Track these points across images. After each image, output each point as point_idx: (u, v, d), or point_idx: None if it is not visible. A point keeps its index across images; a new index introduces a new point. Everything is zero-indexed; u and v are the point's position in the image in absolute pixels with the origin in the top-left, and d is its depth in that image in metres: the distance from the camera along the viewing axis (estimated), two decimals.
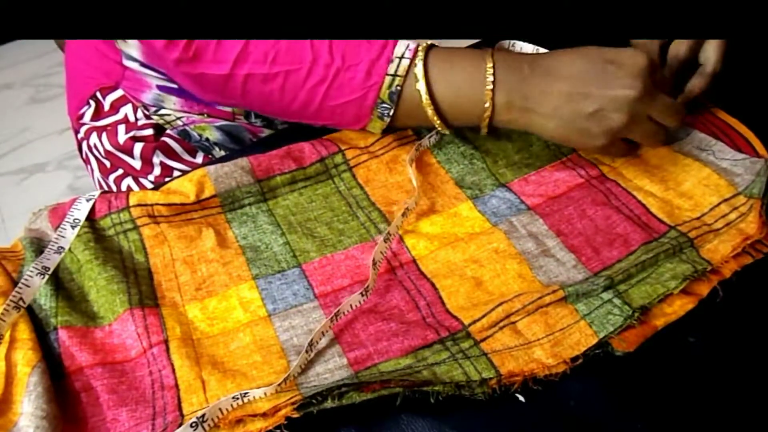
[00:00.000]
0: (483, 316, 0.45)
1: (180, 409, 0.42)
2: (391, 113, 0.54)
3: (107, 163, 0.74)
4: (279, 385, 0.41)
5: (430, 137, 0.59)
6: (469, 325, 0.45)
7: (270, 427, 0.39)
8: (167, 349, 0.45)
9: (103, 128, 0.72)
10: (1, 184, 1.65)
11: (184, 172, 0.57)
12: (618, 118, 0.49)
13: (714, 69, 0.57)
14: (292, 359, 0.44)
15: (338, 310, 0.45)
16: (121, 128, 0.71)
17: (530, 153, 0.58)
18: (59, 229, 0.51)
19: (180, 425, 0.40)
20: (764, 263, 0.48)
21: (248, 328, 0.47)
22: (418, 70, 0.52)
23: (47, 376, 0.42)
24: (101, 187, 0.77)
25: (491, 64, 0.51)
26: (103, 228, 0.53)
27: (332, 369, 0.43)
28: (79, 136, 0.77)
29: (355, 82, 0.53)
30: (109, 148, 0.72)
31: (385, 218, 0.54)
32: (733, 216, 0.49)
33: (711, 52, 0.57)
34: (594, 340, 0.43)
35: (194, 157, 0.72)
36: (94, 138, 0.74)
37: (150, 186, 0.66)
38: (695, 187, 0.52)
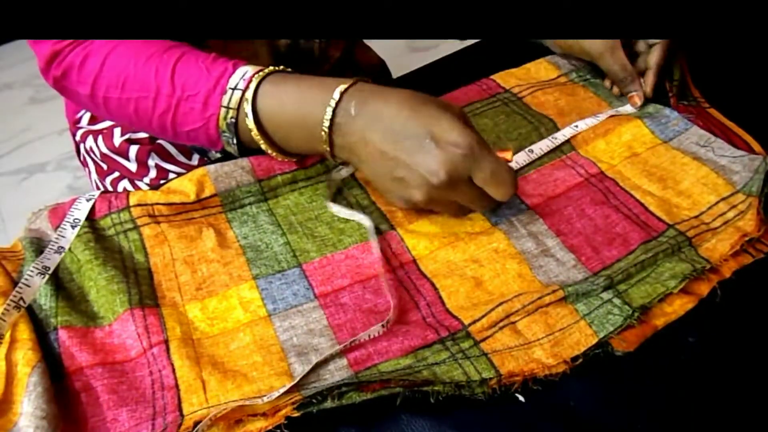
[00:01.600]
0: (483, 316, 0.45)
1: (180, 409, 0.42)
2: (234, 142, 0.53)
3: (104, 166, 0.74)
4: (277, 397, 0.41)
5: None
6: (469, 325, 0.45)
7: (270, 427, 0.39)
8: (167, 349, 0.45)
9: (99, 131, 0.72)
10: (1, 184, 1.65)
11: (179, 175, 0.57)
12: (417, 194, 0.48)
13: (657, 65, 0.60)
14: (292, 360, 0.44)
15: (354, 340, 0.44)
16: (117, 131, 0.71)
17: (530, 151, 0.58)
18: (59, 228, 0.51)
19: (180, 425, 0.40)
20: (764, 263, 0.48)
21: (248, 328, 0.47)
22: (248, 105, 0.51)
23: (47, 376, 0.42)
24: (98, 189, 0.77)
25: (331, 104, 0.49)
26: (103, 228, 0.53)
27: (332, 369, 0.43)
28: (77, 139, 0.78)
29: (195, 112, 0.52)
30: (105, 150, 0.72)
31: (385, 218, 0.54)
32: (731, 214, 0.49)
33: (653, 53, 0.61)
34: (594, 340, 0.43)
35: (190, 159, 0.72)
36: (90, 141, 0.74)
37: (146, 188, 0.66)
38: (693, 186, 0.52)
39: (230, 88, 0.51)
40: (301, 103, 0.50)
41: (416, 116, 0.47)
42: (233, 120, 0.52)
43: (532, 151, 0.58)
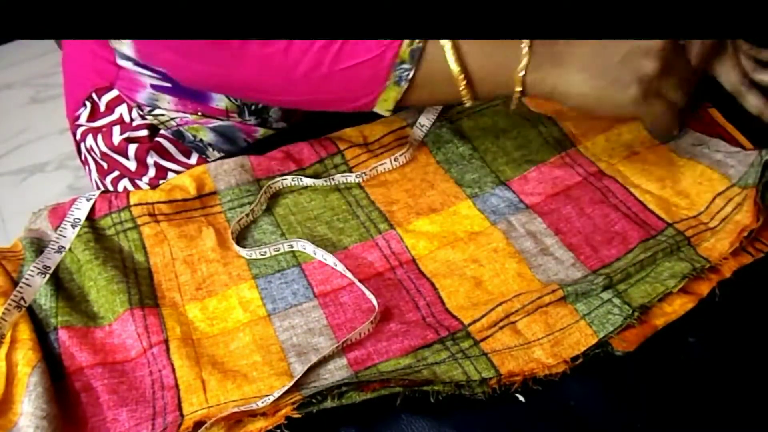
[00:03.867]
0: (483, 316, 0.45)
1: (180, 409, 0.42)
2: (410, 76, 0.48)
3: (104, 165, 0.75)
4: (279, 397, 0.41)
5: (422, 127, 0.60)
6: (469, 324, 0.45)
7: (270, 427, 0.39)
8: (167, 349, 0.45)
9: (99, 130, 0.73)
10: (1, 184, 1.65)
11: (178, 174, 0.57)
12: (649, 64, 0.46)
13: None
14: (292, 359, 0.44)
15: (348, 337, 0.44)
16: (116, 129, 0.71)
17: (530, 150, 0.58)
18: (60, 228, 0.51)
19: (180, 425, 0.40)
20: (764, 263, 0.47)
21: (248, 328, 0.47)
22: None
23: (47, 376, 0.42)
24: (99, 188, 0.77)
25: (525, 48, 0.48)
26: (103, 228, 0.53)
27: (332, 369, 0.43)
28: (77, 137, 0.78)
29: (368, 43, 0.47)
30: (104, 149, 0.73)
31: (384, 217, 0.54)
32: (728, 209, 0.49)
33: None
34: (594, 340, 0.43)
35: (188, 158, 0.72)
36: (90, 140, 0.74)
37: (146, 188, 0.66)
38: (691, 186, 0.52)
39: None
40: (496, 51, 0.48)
41: (608, 45, 0.47)
42: (420, 45, 0.47)
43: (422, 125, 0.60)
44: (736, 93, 0.58)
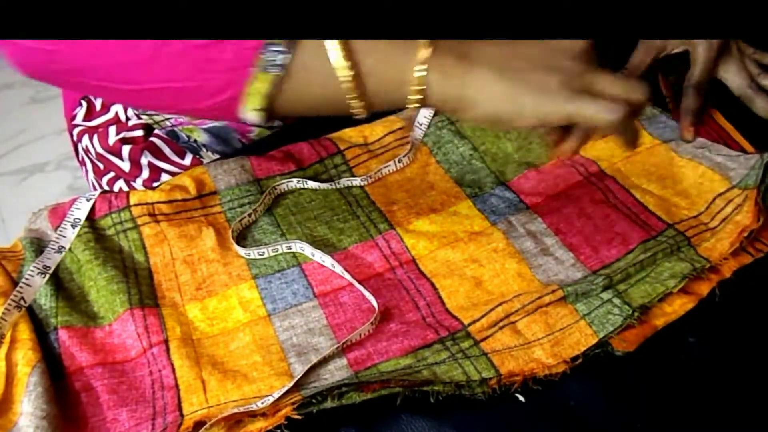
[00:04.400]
0: (483, 316, 0.45)
1: (180, 409, 0.42)
2: (282, 61, 0.38)
3: (100, 166, 0.75)
4: (277, 397, 0.41)
5: (420, 125, 0.60)
6: (469, 324, 0.45)
7: (270, 427, 0.39)
8: (167, 349, 0.45)
9: (95, 130, 0.73)
10: (1, 184, 1.65)
11: (172, 174, 0.57)
12: (570, 63, 0.40)
13: (695, 90, 0.57)
14: (292, 360, 0.44)
15: (348, 339, 0.44)
16: (112, 129, 0.71)
17: (530, 151, 0.58)
18: (60, 228, 0.51)
19: (180, 425, 0.40)
20: (764, 263, 0.48)
21: (248, 328, 0.47)
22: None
23: (47, 376, 0.42)
24: (96, 189, 0.77)
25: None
26: (103, 228, 0.53)
27: (332, 369, 0.43)
28: (74, 138, 0.78)
29: (234, 48, 0.38)
30: (100, 150, 0.73)
31: (384, 217, 0.54)
32: (729, 209, 0.49)
33: (692, 74, 0.58)
34: (594, 340, 0.43)
35: (182, 158, 0.72)
36: (86, 140, 0.74)
37: (141, 189, 0.66)
38: (691, 186, 0.52)
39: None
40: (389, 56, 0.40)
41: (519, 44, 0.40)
42: (284, 51, 0.39)
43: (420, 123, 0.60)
44: (744, 97, 0.59)
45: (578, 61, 0.40)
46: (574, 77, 0.39)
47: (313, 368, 0.43)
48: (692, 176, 0.53)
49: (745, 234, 0.47)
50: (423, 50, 0.39)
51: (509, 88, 0.39)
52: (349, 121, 0.61)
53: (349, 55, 0.39)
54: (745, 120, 0.58)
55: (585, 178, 0.55)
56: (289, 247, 0.51)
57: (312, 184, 0.56)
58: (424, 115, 0.61)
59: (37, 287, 0.47)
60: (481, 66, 0.40)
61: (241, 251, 0.51)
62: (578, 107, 0.39)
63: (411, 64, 0.39)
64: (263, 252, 0.51)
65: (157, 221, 0.53)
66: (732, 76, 0.59)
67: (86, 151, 0.76)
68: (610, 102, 0.39)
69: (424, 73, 0.39)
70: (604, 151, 0.57)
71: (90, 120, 0.73)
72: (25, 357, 0.42)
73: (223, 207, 0.55)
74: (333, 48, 0.38)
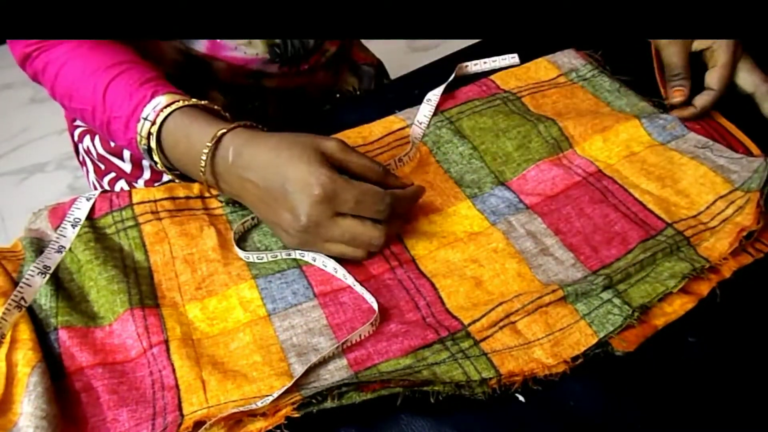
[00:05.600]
0: (483, 316, 0.45)
1: (180, 409, 0.42)
2: (155, 163, 0.54)
3: (101, 166, 0.75)
4: (277, 397, 0.41)
5: (420, 124, 0.60)
6: (469, 324, 0.45)
7: (270, 427, 0.39)
8: (167, 350, 0.45)
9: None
10: (1, 184, 1.65)
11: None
12: (288, 239, 0.49)
13: (719, 91, 0.58)
14: (292, 360, 0.44)
15: (348, 338, 0.44)
16: None
17: (529, 150, 0.58)
18: (60, 228, 0.51)
19: (180, 425, 0.40)
20: (764, 263, 0.48)
21: (248, 328, 0.47)
22: (153, 139, 0.52)
23: (47, 376, 0.42)
24: (97, 189, 0.77)
25: (206, 150, 0.50)
26: (103, 227, 0.53)
27: (332, 369, 0.43)
28: (75, 138, 0.78)
29: (120, 132, 0.54)
30: (101, 151, 0.73)
31: None
32: (729, 211, 0.49)
33: (715, 75, 0.58)
34: (594, 340, 0.43)
35: None
36: (87, 141, 0.74)
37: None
38: (691, 185, 0.52)
39: (143, 118, 0.52)
40: (189, 147, 0.51)
41: (278, 163, 0.47)
42: (146, 147, 0.53)
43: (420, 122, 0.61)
44: (756, 95, 0.59)
45: (323, 213, 0.47)
46: (312, 227, 0.47)
47: (313, 368, 0.43)
48: (692, 175, 0.53)
49: (744, 234, 0.47)
50: (202, 177, 0.52)
51: (270, 224, 0.51)
52: (349, 122, 0.62)
53: (171, 164, 0.54)
54: (751, 122, 0.58)
55: (584, 178, 0.55)
56: (289, 254, 0.51)
57: None
58: (424, 114, 0.61)
59: (37, 287, 0.47)
60: (245, 202, 0.52)
61: (242, 254, 0.51)
62: (325, 251, 0.49)
63: (205, 133, 0.51)
64: (262, 257, 0.51)
65: (159, 218, 0.53)
66: (744, 74, 0.59)
67: (87, 151, 0.76)
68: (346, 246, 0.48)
69: (221, 132, 0.50)
70: (602, 152, 0.57)
71: None
72: (25, 357, 0.42)
73: (224, 210, 0.55)
74: (159, 165, 0.54)
